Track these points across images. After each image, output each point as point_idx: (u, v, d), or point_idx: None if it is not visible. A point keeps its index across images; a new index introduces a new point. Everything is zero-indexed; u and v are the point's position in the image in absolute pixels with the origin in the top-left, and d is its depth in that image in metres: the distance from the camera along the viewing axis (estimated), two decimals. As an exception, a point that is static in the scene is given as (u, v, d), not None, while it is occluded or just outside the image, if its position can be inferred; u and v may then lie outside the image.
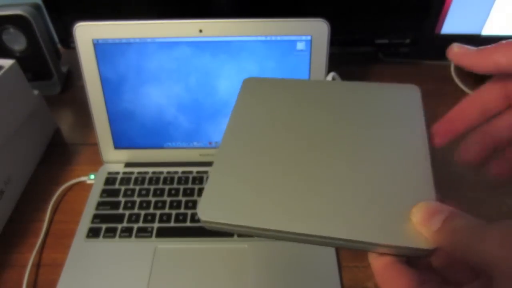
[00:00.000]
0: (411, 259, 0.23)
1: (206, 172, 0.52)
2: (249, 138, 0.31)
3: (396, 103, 0.32)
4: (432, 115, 0.70)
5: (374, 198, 0.24)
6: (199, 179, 0.51)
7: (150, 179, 0.51)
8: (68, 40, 0.64)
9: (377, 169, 0.26)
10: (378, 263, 0.23)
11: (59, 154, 0.58)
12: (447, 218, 0.20)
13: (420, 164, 0.26)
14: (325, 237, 0.23)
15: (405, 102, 0.33)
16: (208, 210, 0.26)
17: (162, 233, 0.45)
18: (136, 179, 0.51)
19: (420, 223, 0.21)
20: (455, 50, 0.27)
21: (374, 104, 0.32)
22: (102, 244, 0.44)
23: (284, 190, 0.26)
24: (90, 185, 0.51)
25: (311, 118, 0.32)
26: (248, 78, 0.37)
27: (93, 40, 0.47)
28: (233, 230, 0.26)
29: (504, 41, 0.23)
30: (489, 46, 0.24)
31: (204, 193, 0.27)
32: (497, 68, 0.24)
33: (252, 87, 0.37)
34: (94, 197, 0.49)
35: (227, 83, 0.49)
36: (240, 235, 0.44)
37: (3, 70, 0.48)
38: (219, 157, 0.29)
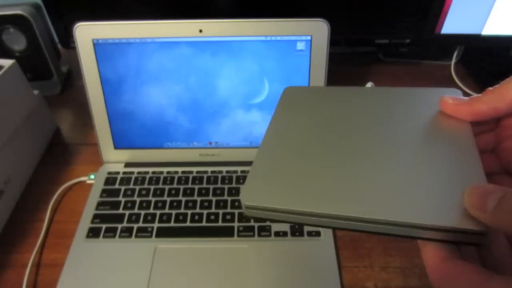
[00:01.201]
0: (465, 247, 0.22)
1: (206, 172, 0.52)
2: (291, 134, 0.31)
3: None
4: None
5: (425, 184, 0.24)
6: (199, 179, 0.51)
7: (150, 179, 0.51)
8: (68, 40, 0.64)
9: (426, 160, 0.26)
10: (433, 258, 0.21)
11: (59, 154, 0.58)
12: (503, 197, 0.19)
13: (468, 154, 0.26)
14: (374, 221, 0.22)
15: None
16: (252, 195, 0.24)
17: (162, 233, 0.45)
18: (136, 179, 0.51)
19: (473, 206, 0.20)
20: (449, 102, 0.28)
21: (416, 106, 0.32)
22: (102, 244, 0.44)
23: (332, 176, 0.25)
24: (90, 185, 0.51)
25: (355, 119, 0.31)
26: (288, 86, 0.38)
27: (93, 40, 0.47)
28: (279, 218, 0.24)
29: (489, 88, 0.24)
30: (476, 95, 0.25)
31: (248, 178, 0.25)
32: (481, 116, 0.25)
33: (292, 94, 0.37)
34: (94, 197, 0.49)
35: (227, 83, 0.49)
36: (240, 236, 0.44)
37: (3, 70, 0.48)
38: (262, 148, 0.29)
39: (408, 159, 0.26)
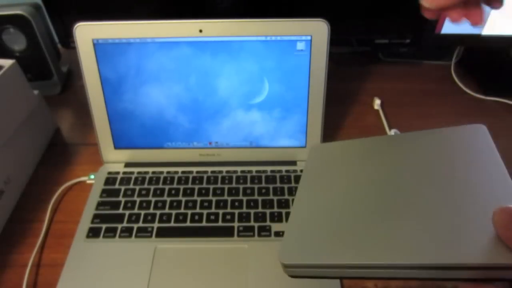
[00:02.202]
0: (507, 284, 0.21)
1: (206, 172, 0.52)
2: (321, 192, 0.30)
3: (466, 142, 0.31)
4: (432, 115, 0.70)
5: (462, 224, 0.23)
6: (199, 179, 0.51)
7: (150, 179, 0.51)
8: (68, 40, 0.64)
9: (459, 199, 0.25)
10: None
11: (59, 154, 0.58)
12: None
13: (499, 179, 0.25)
14: (410, 266, 0.22)
15: (475, 140, 0.31)
16: (290, 253, 0.24)
17: (162, 233, 0.45)
18: (136, 179, 0.51)
19: (502, 225, 0.19)
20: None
21: (438, 148, 0.31)
22: (102, 244, 0.44)
23: (367, 227, 0.25)
24: (90, 185, 0.51)
25: (380, 169, 0.31)
26: (313, 145, 0.39)
27: (93, 40, 0.47)
28: (320, 273, 0.24)
29: None
30: None
31: (284, 237, 0.26)
32: None
33: (318, 152, 0.37)
34: (94, 197, 0.49)
35: (227, 83, 0.49)
36: (240, 236, 0.44)
37: (3, 70, 0.48)
38: (295, 208, 0.29)
39: (440, 201, 0.25)
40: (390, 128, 0.61)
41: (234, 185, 0.50)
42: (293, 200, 0.46)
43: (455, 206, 0.24)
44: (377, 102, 0.66)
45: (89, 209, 0.48)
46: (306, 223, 0.27)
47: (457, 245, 0.22)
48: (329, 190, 0.31)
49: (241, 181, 0.50)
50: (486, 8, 0.28)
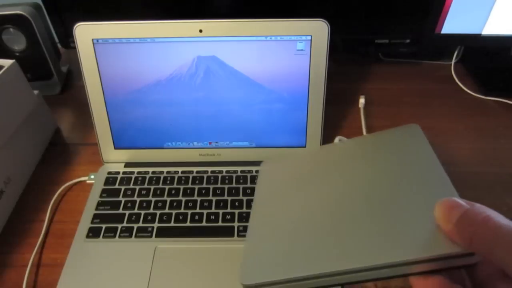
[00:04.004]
0: (456, 273, 0.22)
1: (206, 172, 0.52)
2: (273, 207, 0.32)
3: (403, 143, 0.33)
4: (432, 115, 0.70)
5: (405, 222, 0.24)
6: (199, 179, 0.51)
7: (150, 179, 0.51)
8: (68, 40, 0.64)
9: (401, 198, 0.26)
10: None
11: (59, 154, 0.58)
12: (465, 211, 0.19)
13: (436, 176, 0.26)
14: (362, 269, 0.23)
15: (411, 140, 0.33)
16: (249, 274, 0.25)
17: (162, 233, 0.45)
18: (136, 179, 0.51)
19: (440, 218, 0.21)
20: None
21: (382, 149, 0.33)
22: (102, 244, 0.44)
23: (320, 236, 0.26)
24: (90, 185, 0.51)
25: (329, 176, 0.32)
26: (264, 161, 0.41)
27: (93, 40, 0.47)
28: None
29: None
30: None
31: (242, 258, 0.26)
32: None
33: (269, 167, 0.40)
34: (94, 197, 0.49)
35: (227, 83, 0.49)
36: (240, 236, 0.44)
37: (3, 70, 0.48)
38: (250, 227, 0.30)
39: (384, 203, 0.26)
40: (390, 127, 0.61)
41: (234, 185, 0.50)
42: None
43: (399, 206, 0.26)
44: (361, 102, 0.66)
45: (89, 209, 0.48)
46: (262, 241, 0.28)
47: (403, 242, 0.23)
48: (281, 206, 0.32)
49: (241, 181, 0.50)
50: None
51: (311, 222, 0.28)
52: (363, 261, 0.23)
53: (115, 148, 0.53)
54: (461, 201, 0.21)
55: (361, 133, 0.61)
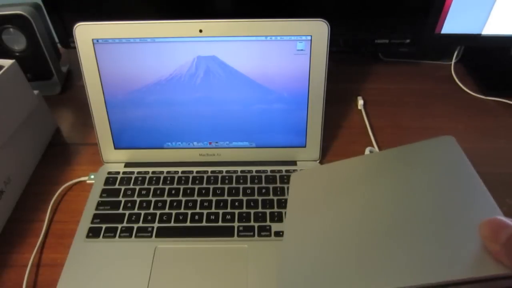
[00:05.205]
0: None
1: (206, 172, 0.52)
2: (308, 224, 0.32)
3: (438, 156, 0.32)
4: (432, 115, 0.70)
5: (450, 242, 0.24)
6: (199, 179, 0.51)
7: (150, 179, 0.51)
8: (68, 40, 0.64)
9: (443, 217, 0.25)
10: None
11: (59, 154, 0.58)
12: None
13: (478, 195, 0.25)
14: None
15: (447, 153, 0.32)
16: None
17: (162, 233, 0.45)
18: (136, 179, 0.51)
19: (487, 237, 0.20)
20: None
21: (417, 163, 0.32)
22: (102, 244, 0.44)
23: (359, 256, 0.26)
24: (90, 185, 0.51)
25: (362, 193, 0.31)
26: (293, 173, 0.40)
27: (93, 40, 0.47)
28: None
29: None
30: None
31: (277, 278, 0.27)
32: None
33: (299, 180, 0.39)
34: (94, 197, 0.49)
35: (227, 83, 0.49)
36: (240, 236, 0.44)
37: (3, 70, 0.48)
38: (285, 244, 0.31)
39: (425, 221, 0.26)
40: (390, 127, 0.61)
41: (234, 185, 0.50)
42: None
43: (441, 224, 0.25)
44: (360, 102, 0.66)
45: (89, 209, 0.48)
46: (299, 261, 0.28)
47: (449, 262, 0.22)
48: (315, 222, 0.32)
49: (241, 181, 0.50)
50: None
51: (349, 240, 0.27)
52: (409, 280, 0.23)
53: (115, 148, 0.53)
54: (508, 221, 0.20)
55: (362, 133, 0.61)
